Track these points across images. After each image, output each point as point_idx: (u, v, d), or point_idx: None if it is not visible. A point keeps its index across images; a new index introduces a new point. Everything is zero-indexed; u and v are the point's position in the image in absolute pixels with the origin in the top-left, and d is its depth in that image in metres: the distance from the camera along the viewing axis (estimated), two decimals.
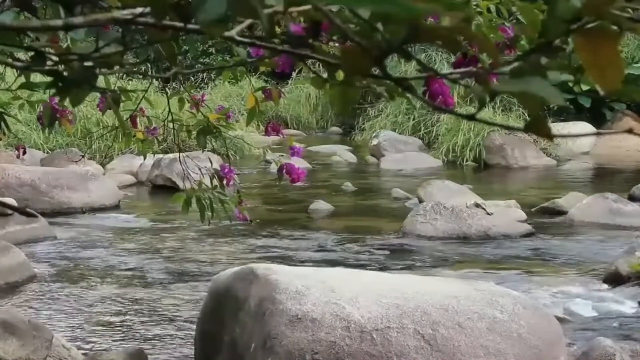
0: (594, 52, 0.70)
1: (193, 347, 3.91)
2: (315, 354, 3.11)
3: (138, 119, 2.90)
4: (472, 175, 10.92)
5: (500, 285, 4.04)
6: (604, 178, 10.86)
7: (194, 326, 4.01)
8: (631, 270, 5.27)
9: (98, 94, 2.07)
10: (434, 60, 13.50)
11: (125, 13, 0.95)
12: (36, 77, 2.87)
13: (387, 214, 8.07)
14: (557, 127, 11.78)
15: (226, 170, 2.63)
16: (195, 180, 2.62)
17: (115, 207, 8.38)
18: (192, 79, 15.27)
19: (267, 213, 8.11)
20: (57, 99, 1.99)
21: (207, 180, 2.64)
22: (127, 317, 4.80)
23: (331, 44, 1.05)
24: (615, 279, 5.33)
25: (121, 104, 1.87)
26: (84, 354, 4.01)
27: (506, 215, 7.30)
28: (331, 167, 11.80)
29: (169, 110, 2.74)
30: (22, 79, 1.78)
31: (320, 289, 3.33)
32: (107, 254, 6.35)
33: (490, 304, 3.33)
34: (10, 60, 1.29)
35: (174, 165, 8.87)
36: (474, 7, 1.86)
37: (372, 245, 6.64)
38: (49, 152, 10.58)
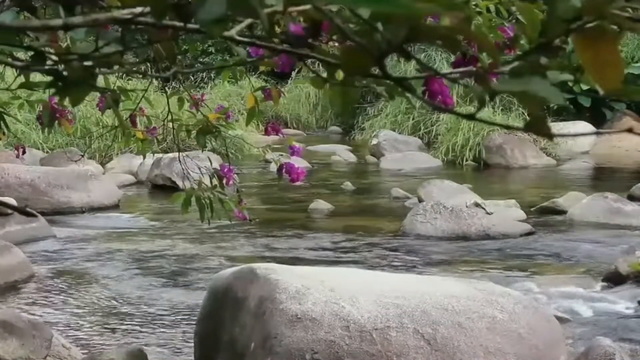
0: (594, 52, 0.70)
1: (193, 347, 3.91)
2: (315, 353, 3.11)
3: (137, 119, 2.90)
4: (472, 175, 10.92)
5: (500, 285, 4.04)
6: (604, 178, 10.86)
7: (194, 326, 4.01)
8: (631, 270, 5.27)
9: (98, 94, 2.07)
10: (434, 60, 13.50)
11: (125, 13, 0.95)
12: (36, 77, 2.87)
13: (387, 214, 8.07)
14: (557, 127, 11.78)
15: (226, 169, 2.63)
16: (194, 180, 2.62)
17: (115, 207, 8.38)
18: (192, 78, 15.28)
19: (267, 213, 8.11)
20: (56, 99, 1.99)
21: (206, 180, 2.64)
22: (127, 316, 4.80)
23: (331, 44, 1.05)
24: (615, 279, 5.33)
25: (121, 104, 1.87)
26: (83, 354, 4.01)
27: (506, 214, 7.30)
28: (331, 167, 11.80)
29: (169, 110, 2.74)
30: (22, 79, 1.78)
31: (319, 289, 3.33)
32: (107, 254, 6.35)
33: (490, 304, 3.33)
34: (10, 59, 1.29)
35: (174, 165, 8.87)
36: (474, 7, 1.86)
37: (372, 245, 6.64)
38: (49, 151, 10.58)
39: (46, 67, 1.15)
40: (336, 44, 1.05)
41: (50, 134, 10.60)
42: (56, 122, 2.30)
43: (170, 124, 2.86)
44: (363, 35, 0.75)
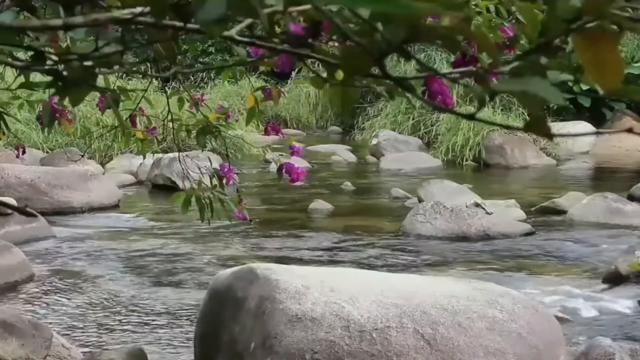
0: (594, 52, 0.70)
1: (193, 347, 3.91)
2: (315, 353, 3.11)
3: (137, 119, 2.90)
4: (472, 175, 10.92)
5: (500, 285, 4.04)
6: (604, 178, 10.86)
7: (194, 326, 4.01)
8: (631, 269, 5.27)
9: (98, 94, 2.07)
10: (434, 60, 13.50)
11: (125, 13, 0.95)
12: (36, 77, 2.87)
13: (387, 214, 8.08)
14: (556, 127, 11.78)
15: (226, 169, 2.63)
16: (194, 180, 2.62)
17: (115, 207, 8.38)
18: (192, 78, 15.28)
19: (267, 213, 8.11)
20: (56, 99, 1.99)
21: (206, 180, 2.64)
22: (127, 316, 4.80)
23: (331, 43, 1.05)
24: (615, 279, 5.33)
25: (121, 104, 1.87)
26: (83, 354, 4.01)
27: (506, 214, 7.30)
28: (331, 167, 11.80)
29: (169, 110, 2.74)
30: (22, 79, 1.78)
31: (319, 289, 3.33)
32: (107, 254, 6.35)
33: (490, 304, 3.33)
34: (9, 59, 1.28)
35: (174, 165, 8.87)
36: (474, 7, 1.86)
37: (372, 245, 6.64)
38: (49, 151, 10.58)
39: (46, 67, 1.15)
40: (336, 44, 1.05)
41: (50, 134, 10.60)
42: (56, 122, 2.30)
43: (170, 124, 2.86)
44: (363, 35, 0.75)
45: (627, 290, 5.14)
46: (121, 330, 4.56)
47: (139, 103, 2.82)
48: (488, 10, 1.90)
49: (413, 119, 13.43)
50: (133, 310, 4.91)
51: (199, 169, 2.81)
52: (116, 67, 1.25)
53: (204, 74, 16.61)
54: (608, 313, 4.84)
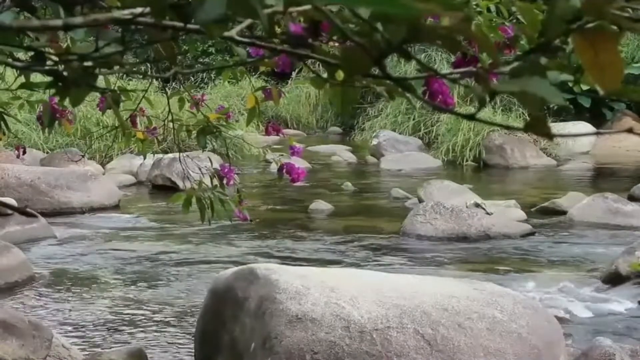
0: (594, 52, 0.70)
1: (193, 347, 3.91)
2: (315, 353, 3.11)
3: (138, 119, 2.90)
4: (472, 175, 10.93)
5: (500, 285, 4.04)
6: (604, 178, 10.86)
7: (194, 326, 4.01)
8: (631, 270, 5.26)
9: (98, 94, 2.07)
10: (434, 60, 13.51)
11: (125, 13, 0.95)
12: (36, 77, 2.87)
13: (387, 214, 8.07)
14: (556, 127, 11.79)
15: (226, 169, 2.63)
16: (195, 180, 2.62)
17: (115, 207, 8.38)
18: (192, 78, 15.28)
19: (267, 213, 8.11)
20: (56, 99, 1.99)
21: (207, 180, 2.64)
22: (127, 317, 4.80)
23: (331, 43, 1.05)
24: (615, 279, 5.33)
25: (121, 104, 1.87)
26: (84, 354, 4.01)
27: (506, 215, 7.30)
28: (331, 167, 11.80)
29: (169, 110, 2.74)
30: (22, 79, 1.78)
31: (320, 289, 3.33)
32: (107, 254, 6.35)
33: (490, 304, 3.33)
34: (10, 60, 1.28)
35: (174, 165, 8.88)
36: (474, 6, 1.86)
37: (372, 245, 6.64)
38: (49, 152, 10.58)
39: (46, 68, 1.15)
40: (336, 44, 1.05)
41: (51, 135, 10.60)
42: (56, 122, 2.30)
43: (171, 124, 2.86)
44: (363, 36, 0.75)
45: (627, 290, 5.14)
46: (121, 331, 4.56)
47: (139, 103, 2.82)
48: (489, 10, 1.90)
49: (413, 119, 13.44)
50: (133, 311, 4.91)
51: (200, 169, 2.81)
52: (116, 67, 1.25)
53: (204, 74, 16.62)
54: (608, 313, 4.84)
